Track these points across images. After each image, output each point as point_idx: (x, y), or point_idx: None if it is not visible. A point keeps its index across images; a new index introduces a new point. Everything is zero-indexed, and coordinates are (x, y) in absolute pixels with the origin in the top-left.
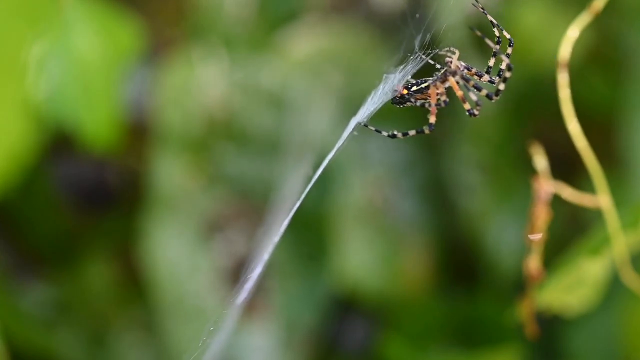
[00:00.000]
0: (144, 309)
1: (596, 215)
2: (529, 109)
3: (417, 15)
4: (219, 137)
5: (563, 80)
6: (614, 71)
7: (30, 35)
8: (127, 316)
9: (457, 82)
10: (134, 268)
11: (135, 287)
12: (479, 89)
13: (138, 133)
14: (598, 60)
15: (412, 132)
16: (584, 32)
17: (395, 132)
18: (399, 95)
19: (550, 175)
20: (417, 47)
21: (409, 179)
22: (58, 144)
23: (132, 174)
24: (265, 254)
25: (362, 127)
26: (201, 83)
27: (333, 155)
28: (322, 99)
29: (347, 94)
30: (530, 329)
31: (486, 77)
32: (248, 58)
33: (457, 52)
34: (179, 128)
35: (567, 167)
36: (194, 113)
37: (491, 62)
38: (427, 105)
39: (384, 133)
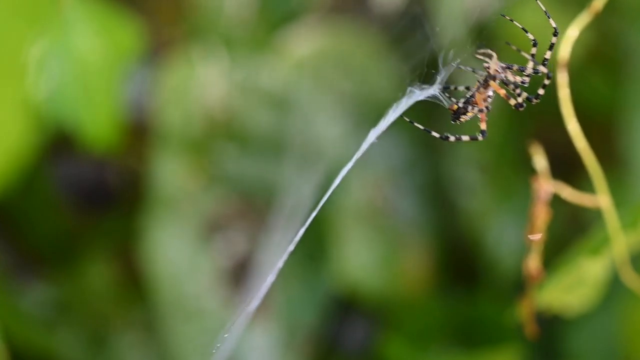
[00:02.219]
0: (144, 309)
1: (596, 215)
2: (529, 109)
3: (417, 14)
4: (219, 137)
5: (563, 80)
6: (614, 71)
7: (30, 35)
8: (127, 316)
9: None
10: (134, 268)
11: (135, 287)
12: (517, 87)
13: (138, 133)
14: (598, 60)
15: (465, 138)
16: (584, 32)
17: (448, 135)
18: (453, 112)
19: (550, 175)
20: (440, 64)
21: (409, 179)
22: (58, 144)
23: (132, 174)
24: (279, 262)
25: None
26: (201, 83)
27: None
28: (322, 99)
29: (350, 95)
30: (530, 329)
31: (529, 70)
32: (248, 58)
33: (494, 55)
34: (179, 128)
35: (567, 167)
36: (194, 113)
37: (529, 67)
38: (476, 112)
39: (435, 134)
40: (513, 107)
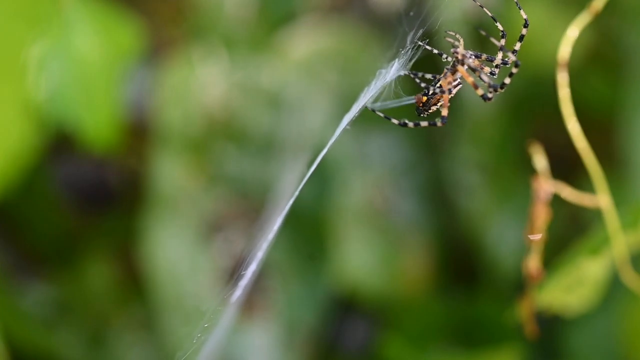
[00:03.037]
0: (144, 309)
1: (596, 215)
2: (529, 109)
3: (412, 13)
4: (219, 137)
5: (563, 80)
6: (614, 71)
7: (31, 35)
8: (127, 316)
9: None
10: (134, 268)
11: (135, 287)
12: (493, 74)
13: (138, 133)
14: (598, 60)
15: (424, 123)
16: (584, 32)
17: (407, 121)
18: (421, 104)
19: (550, 175)
20: (409, 41)
21: (409, 180)
22: (58, 144)
23: (132, 174)
24: (260, 252)
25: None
26: (201, 83)
27: (327, 151)
28: (322, 99)
29: (347, 94)
30: (530, 329)
31: (498, 60)
32: (248, 58)
33: (462, 40)
34: (179, 128)
35: (567, 167)
36: (194, 113)
37: (498, 57)
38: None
39: (394, 121)
40: (481, 97)
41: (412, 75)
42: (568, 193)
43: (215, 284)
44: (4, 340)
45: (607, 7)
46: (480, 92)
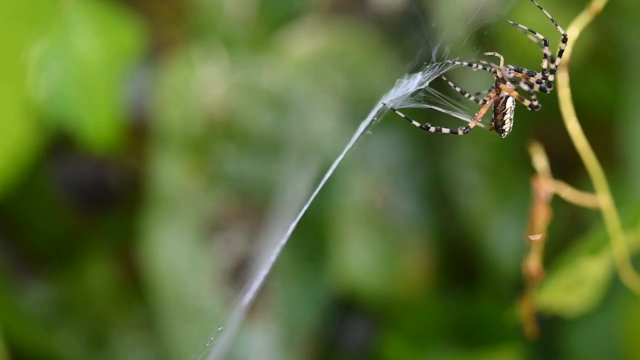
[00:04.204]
0: (144, 309)
1: (596, 215)
2: (535, 110)
3: (416, 14)
4: (219, 137)
5: (563, 80)
6: (614, 71)
7: (31, 35)
8: (127, 316)
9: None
10: (134, 268)
11: (135, 287)
12: (530, 86)
13: (138, 133)
14: (598, 60)
15: (445, 130)
16: (584, 32)
17: (429, 125)
18: (493, 129)
19: (550, 175)
20: (434, 55)
21: (409, 179)
22: (58, 144)
23: (132, 174)
24: (271, 256)
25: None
26: (201, 83)
27: (342, 159)
28: (323, 99)
29: (349, 95)
30: (530, 329)
31: (539, 75)
32: (248, 58)
33: (502, 58)
34: (179, 128)
35: (567, 167)
36: (194, 113)
37: (544, 63)
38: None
39: (416, 123)
40: (528, 108)
41: (451, 85)
42: (568, 193)
43: (215, 284)
44: (4, 340)
45: (607, 7)
46: (527, 103)
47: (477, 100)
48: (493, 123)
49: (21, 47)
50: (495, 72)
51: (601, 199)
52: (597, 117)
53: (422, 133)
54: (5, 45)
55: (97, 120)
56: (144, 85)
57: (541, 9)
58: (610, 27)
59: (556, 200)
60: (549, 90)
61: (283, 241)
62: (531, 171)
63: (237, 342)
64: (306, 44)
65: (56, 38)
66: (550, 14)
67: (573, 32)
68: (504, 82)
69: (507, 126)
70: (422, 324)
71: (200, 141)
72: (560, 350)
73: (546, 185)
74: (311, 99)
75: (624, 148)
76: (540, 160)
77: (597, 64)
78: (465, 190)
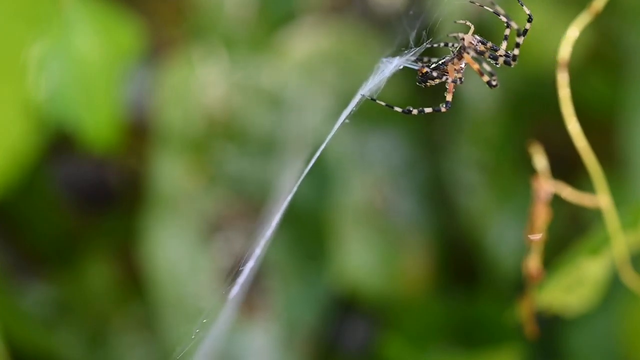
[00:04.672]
0: (144, 309)
1: (596, 215)
2: (528, 109)
3: (412, 12)
4: (219, 137)
5: (563, 80)
6: (614, 71)
7: (31, 35)
8: (127, 316)
9: (472, 57)
10: (134, 268)
11: (135, 287)
12: (495, 59)
13: (138, 133)
14: (598, 60)
15: (428, 110)
16: (584, 32)
17: (411, 108)
18: (420, 74)
19: (550, 175)
20: (411, 39)
21: (409, 179)
22: (58, 144)
23: (132, 174)
24: (257, 249)
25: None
26: (201, 83)
27: (325, 149)
28: (323, 99)
29: (348, 95)
30: (530, 329)
31: (502, 51)
32: (248, 58)
33: (472, 27)
34: (179, 128)
35: (567, 167)
36: (194, 113)
37: (504, 44)
38: (445, 82)
39: (397, 109)
40: (486, 84)
41: (419, 62)
42: (568, 193)
43: (215, 283)
44: (4, 340)
45: (607, 7)
46: (485, 78)
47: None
48: (425, 69)
49: (21, 47)
50: (462, 39)
51: (601, 199)
52: (597, 117)
53: (422, 132)
54: (5, 45)
55: (97, 120)
56: (144, 85)
57: None
58: (610, 27)
59: (556, 200)
60: (513, 64)
61: (269, 233)
62: (531, 171)
63: (236, 342)
64: (306, 44)
65: (56, 38)
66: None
67: (573, 32)
68: (467, 52)
69: (448, 97)
70: (422, 324)
71: (200, 141)
72: (560, 350)
73: (546, 185)
74: (311, 99)
75: (624, 148)
76: (540, 160)
77: (597, 64)
78: (465, 190)
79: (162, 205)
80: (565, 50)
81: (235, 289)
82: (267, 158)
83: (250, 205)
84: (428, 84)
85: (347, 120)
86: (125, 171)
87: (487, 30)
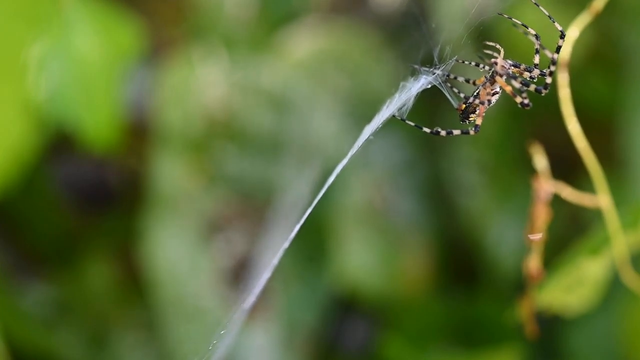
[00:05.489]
0: (144, 309)
1: (596, 215)
2: (528, 109)
3: (413, 12)
4: (219, 137)
5: (563, 80)
6: (614, 71)
7: (31, 35)
8: (127, 316)
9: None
10: (134, 268)
11: (135, 287)
12: (527, 85)
13: (138, 133)
14: (598, 60)
15: (456, 132)
16: (584, 32)
17: (439, 130)
18: (460, 112)
19: (550, 175)
20: (436, 55)
21: (408, 180)
22: (58, 144)
23: (132, 174)
24: (274, 259)
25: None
26: (201, 83)
27: (347, 162)
28: (323, 99)
29: (349, 95)
30: (530, 329)
31: (536, 71)
32: (248, 58)
33: (502, 51)
34: (179, 128)
35: (567, 167)
36: (194, 113)
37: (536, 59)
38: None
39: (426, 129)
40: (519, 105)
41: (447, 84)
42: (568, 193)
43: (215, 284)
44: (4, 340)
45: (607, 7)
46: (519, 99)
47: (473, 82)
48: (464, 105)
49: (21, 47)
50: (494, 63)
51: (601, 199)
52: (597, 117)
53: (422, 133)
54: (5, 45)
55: (97, 120)
56: (144, 85)
57: (538, 5)
58: (610, 27)
59: (556, 200)
60: (544, 92)
61: (286, 245)
62: (531, 171)
63: (237, 343)
64: (306, 44)
65: (56, 38)
66: (548, 13)
67: (573, 32)
68: (500, 76)
69: (476, 118)
70: (422, 324)
71: (200, 141)
72: (560, 350)
73: (546, 185)
74: (311, 99)
75: (624, 148)
76: (540, 160)
77: (597, 64)
78: (465, 190)
79: (162, 205)
80: (565, 50)
81: (251, 299)
82: (267, 158)
83: (250, 205)
84: (471, 118)
85: (371, 137)
86: (125, 171)
87: (487, 31)
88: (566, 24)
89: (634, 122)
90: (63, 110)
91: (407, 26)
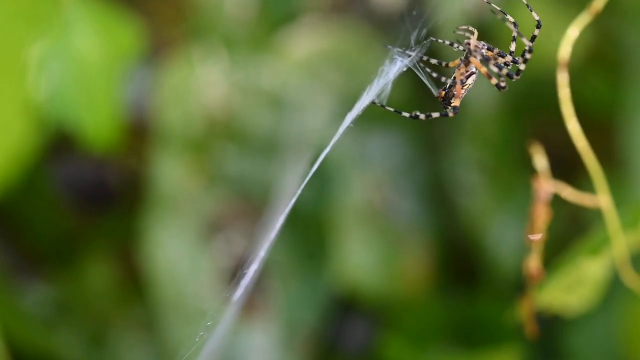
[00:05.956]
0: (144, 309)
1: (596, 215)
2: (528, 109)
3: (415, 13)
4: (219, 137)
5: (563, 80)
6: (614, 71)
7: (31, 35)
8: (127, 316)
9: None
10: (134, 268)
11: (135, 287)
12: (499, 68)
13: (138, 133)
14: (598, 60)
15: (435, 114)
16: (584, 32)
17: (418, 113)
18: (441, 99)
19: (550, 175)
20: (413, 39)
21: (408, 180)
22: (58, 144)
23: (132, 174)
24: (261, 251)
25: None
26: (201, 83)
27: (329, 150)
28: (322, 99)
29: (347, 94)
30: (530, 329)
31: (509, 58)
32: (248, 58)
33: (476, 32)
34: (179, 128)
35: (567, 167)
36: (194, 113)
37: (512, 46)
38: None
39: (405, 114)
40: (495, 87)
41: (422, 64)
42: (568, 193)
43: (215, 284)
44: (4, 340)
45: (607, 7)
46: (494, 81)
47: (446, 64)
48: (444, 92)
49: (21, 47)
50: (467, 44)
51: (601, 199)
52: (597, 117)
53: (422, 133)
54: (5, 45)
55: (97, 120)
56: (144, 85)
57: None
58: (610, 27)
59: (556, 200)
60: (516, 78)
61: (272, 235)
62: (531, 171)
63: (236, 342)
64: (306, 44)
65: (56, 38)
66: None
67: (573, 32)
68: (475, 56)
69: (456, 102)
70: (422, 324)
71: (200, 141)
72: (560, 350)
73: (546, 185)
74: (311, 99)
75: (624, 148)
76: (540, 160)
77: (597, 64)
78: (465, 190)
79: (162, 205)
80: (565, 50)
81: (239, 292)
82: (267, 158)
83: (250, 205)
84: (452, 102)
85: (351, 125)
86: (125, 171)
87: (487, 33)
88: (566, 24)
89: (634, 122)
90: (63, 110)
91: (407, 26)
